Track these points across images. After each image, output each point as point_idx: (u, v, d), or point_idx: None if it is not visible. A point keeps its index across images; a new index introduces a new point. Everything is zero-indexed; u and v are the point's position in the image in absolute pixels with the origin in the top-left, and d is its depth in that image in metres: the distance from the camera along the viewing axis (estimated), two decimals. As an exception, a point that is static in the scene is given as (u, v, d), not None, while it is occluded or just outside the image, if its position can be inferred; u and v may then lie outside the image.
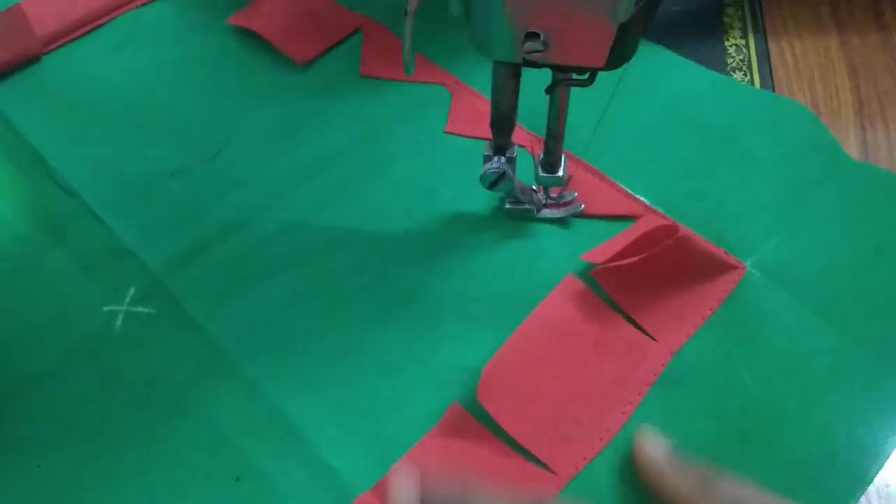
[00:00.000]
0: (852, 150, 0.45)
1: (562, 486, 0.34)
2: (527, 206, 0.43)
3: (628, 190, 0.44)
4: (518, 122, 0.46)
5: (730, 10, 0.54)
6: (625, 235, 0.41)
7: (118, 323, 0.41)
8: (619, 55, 0.33)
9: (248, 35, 0.54)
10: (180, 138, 0.49)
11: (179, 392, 0.39)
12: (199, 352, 0.40)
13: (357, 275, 0.42)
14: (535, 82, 0.38)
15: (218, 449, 0.37)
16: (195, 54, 0.54)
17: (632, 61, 0.34)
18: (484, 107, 0.48)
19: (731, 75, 0.49)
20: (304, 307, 0.41)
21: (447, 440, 0.36)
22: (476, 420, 0.36)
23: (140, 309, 0.41)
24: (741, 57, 0.50)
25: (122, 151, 0.48)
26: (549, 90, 0.37)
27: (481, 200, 0.44)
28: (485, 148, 0.41)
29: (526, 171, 0.43)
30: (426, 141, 0.48)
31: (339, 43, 0.53)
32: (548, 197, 0.43)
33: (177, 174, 0.47)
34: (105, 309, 0.41)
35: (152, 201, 0.46)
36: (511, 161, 0.40)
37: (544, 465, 0.35)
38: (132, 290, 0.42)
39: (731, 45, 0.51)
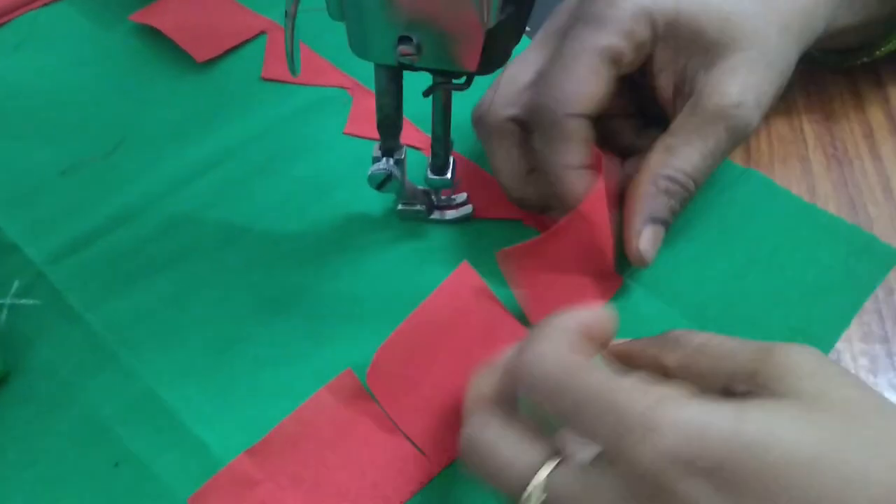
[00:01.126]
0: (736, 155, 0.47)
1: (434, 472, 0.35)
2: (418, 207, 0.44)
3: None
4: (413, 124, 0.47)
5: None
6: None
7: (3, 317, 0.40)
8: (491, 60, 0.35)
9: (150, 35, 0.54)
10: (75, 137, 0.49)
11: (62, 384, 0.39)
12: (80, 343, 0.40)
13: (246, 271, 0.42)
14: (425, 84, 0.38)
15: (97, 438, 0.37)
16: (96, 54, 0.54)
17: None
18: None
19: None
20: (189, 301, 0.41)
21: (335, 403, 0.37)
22: (366, 390, 0.37)
23: (24, 302, 0.41)
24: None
25: (12, 150, 0.48)
26: (427, 93, 0.38)
27: (375, 201, 0.45)
28: (374, 149, 0.42)
29: (420, 172, 0.44)
30: (324, 141, 0.48)
31: (243, 44, 0.54)
32: (438, 199, 0.44)
33: (68, 172, 0.47)
34: (-10, 304, 0.41)
35: (41, 198, 0.46)
36: (399, 163, 0.41)
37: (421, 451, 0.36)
38: (16, 284, 0.41)
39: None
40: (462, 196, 0.45)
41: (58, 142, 0.49)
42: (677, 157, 0.38)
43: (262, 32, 0.54)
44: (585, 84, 0.37)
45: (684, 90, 0.39)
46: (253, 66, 0.52)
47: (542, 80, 0.39)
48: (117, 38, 0.55)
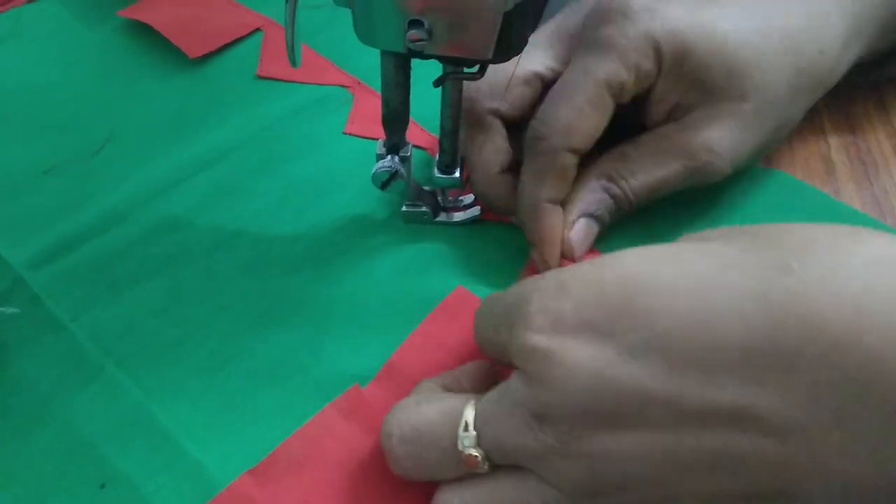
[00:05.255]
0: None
1: None
2: (423, 209, 0.42)
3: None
4: (418, 123, 0.45)
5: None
6: None
7: (-20, 326, 0.38)
8: (506, 47, 0.32)
9: (140, 31, 0.52)
10: (61, 135, 0.46)
11: (42, 399, 0.36)
12: (63, 355, 0.37)
13: (241, 278, 0.40)
14: (430, 79, 0.36)
15: (81, 456, 0.34)
16: (83, 50, 0.52)
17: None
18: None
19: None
20: (180, 311, 0.39)
21: (343, 421, 0.34)
22: (374, 408, 0.35)
23: (2, 310, 0.38)
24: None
25: (-8, 147, 0.46)
26: (437, 83, 0.35)
27: (378, 203, 0.43)
28: (377, 146, 0.39)
29: (425, 173, 0.42)
30: (323, 141, 0.46)
31: (237, 41, 0.52)
32: (445, 200, 0.42)
33: (52, 171, 0.44)
34: (-34, 312, 0.38)
35: (22, 199, 0.43)
36: (405, 160, 0.39)
37: None
38: (-7, 290, 0.39)
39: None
40: (470, 197, 0.42)
41: (41, 140, 0.46)
42: (629, 169, 0.38)
43: (258, 30, 0.52)
44: (587, 118, 0.36)
45: (675, 118, 0.38)
46: (248, 64, 0.50)
47: (542, 106, 0.37)
48: (105, 34, 0.53)
